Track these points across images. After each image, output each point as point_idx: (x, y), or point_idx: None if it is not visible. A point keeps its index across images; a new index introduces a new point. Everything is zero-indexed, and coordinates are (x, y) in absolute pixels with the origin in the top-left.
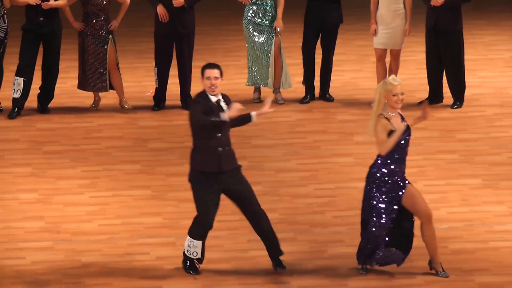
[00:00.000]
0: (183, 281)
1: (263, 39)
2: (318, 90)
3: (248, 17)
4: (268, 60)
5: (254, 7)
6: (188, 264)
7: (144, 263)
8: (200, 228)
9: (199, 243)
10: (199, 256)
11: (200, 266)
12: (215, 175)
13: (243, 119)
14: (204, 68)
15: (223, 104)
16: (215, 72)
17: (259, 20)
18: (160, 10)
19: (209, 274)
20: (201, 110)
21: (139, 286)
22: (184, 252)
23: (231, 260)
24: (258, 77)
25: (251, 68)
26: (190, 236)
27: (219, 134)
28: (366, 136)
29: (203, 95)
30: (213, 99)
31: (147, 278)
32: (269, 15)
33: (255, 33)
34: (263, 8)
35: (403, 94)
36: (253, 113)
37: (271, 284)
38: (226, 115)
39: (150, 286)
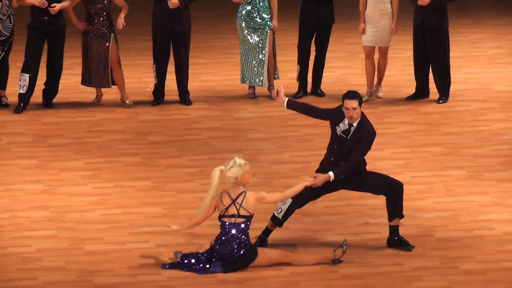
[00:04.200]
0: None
1: (256, 38)
2: (310, 86)
3: (242, 17)
4: (262, 58)
5: (248, 7)
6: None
7: (144, 250)
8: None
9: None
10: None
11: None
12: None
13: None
14: (344, 97)
15: (352, 129)
16: (353, 103)
17: (253, 19)
18: None
19: None
20: (327, 113)
21: (139, 272)
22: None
23: None
24: (250, 77)
25: (243, 68)
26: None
27: (335, 146)
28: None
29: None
30: (346, 121)
31: (146, 265)
32: (263, 15)
33: (248, 33)
34: (256, 7)
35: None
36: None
37: (268, 271)
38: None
39: (150, 272)
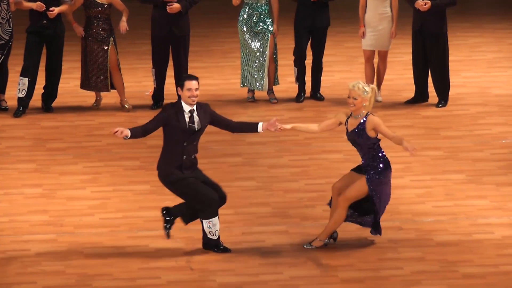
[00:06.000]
0: (181, 272)
1: (257, 42)
2: (309, 90)
3: (243, 21)
4: (262, 63)
5: (249, 11)
6: (215, 246)
7: (143, 254)
8: (208, 207)
9: (215, 219)
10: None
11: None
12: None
13: (250, 128)
14: (185, 80)
15: (195, 113)
16: (196, 84)
17: (254, 23)
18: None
19: (205, 266)
20: (160, 118)
21: (139, 276)
22: (207, 237)
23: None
24: (250, 81)
25: (244, 71)
26: (205, 219)
27: (185, 144)
28: None
29: (177, 104)
30: (187, 108)
31: (146, 269)
32: (264, 19)
33: (249, 37)
34: (258, 12)
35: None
36: (260, 124)
37: (267, 275)
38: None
39: (149, 276)
